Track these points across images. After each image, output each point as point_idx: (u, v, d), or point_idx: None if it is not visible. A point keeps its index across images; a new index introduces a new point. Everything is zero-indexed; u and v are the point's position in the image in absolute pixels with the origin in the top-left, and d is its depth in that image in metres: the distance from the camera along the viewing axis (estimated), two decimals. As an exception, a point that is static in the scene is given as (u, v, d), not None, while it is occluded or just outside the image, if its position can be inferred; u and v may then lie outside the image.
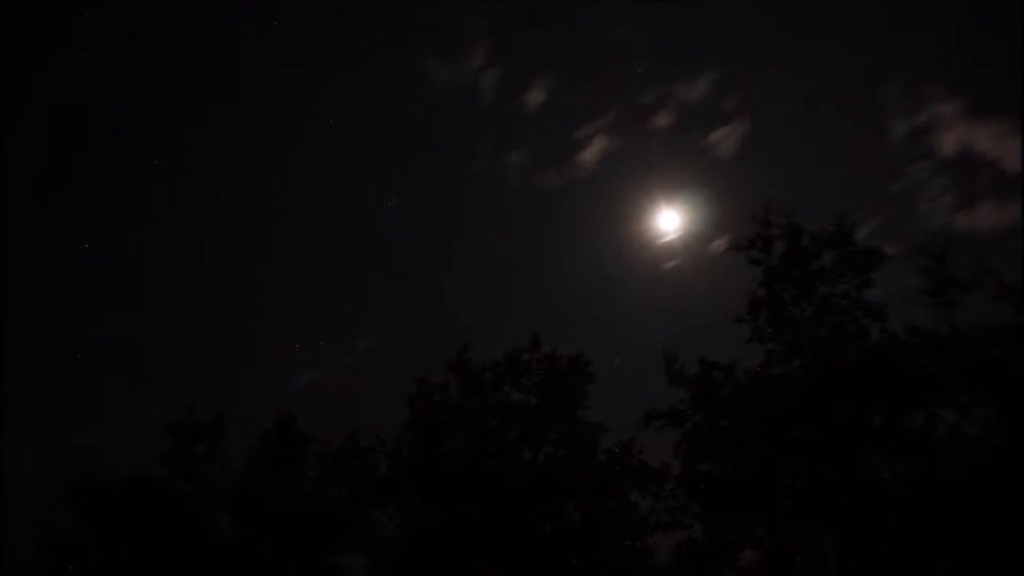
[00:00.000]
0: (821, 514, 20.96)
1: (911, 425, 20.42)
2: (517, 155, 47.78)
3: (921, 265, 20.39)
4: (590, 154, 46.33)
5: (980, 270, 19.90)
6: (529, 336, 26.26)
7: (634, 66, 44.88)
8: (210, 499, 26.17)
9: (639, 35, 44.52)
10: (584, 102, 47.72)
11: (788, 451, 21.30)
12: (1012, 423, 19.47)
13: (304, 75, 47.17)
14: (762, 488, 21.42)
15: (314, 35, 46.51)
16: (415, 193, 48.23)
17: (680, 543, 22.66)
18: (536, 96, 46.30)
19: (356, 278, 47.96)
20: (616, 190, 45.97)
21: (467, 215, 48.81)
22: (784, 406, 21.41)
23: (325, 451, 26.58)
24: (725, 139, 44.57)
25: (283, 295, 45.81)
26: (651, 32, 43.77)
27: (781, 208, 21.82)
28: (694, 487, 22.16)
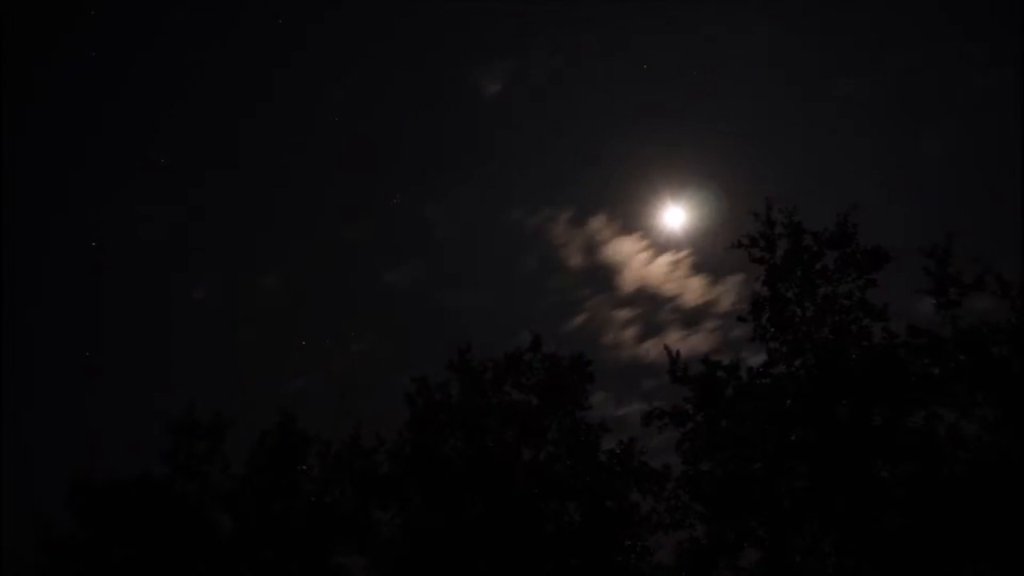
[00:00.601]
0: (821, 514, 20.98)
1: (911, 425, 20.48)
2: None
3: (923, 265, 20.50)
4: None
5: (981, 270, 20.01)
6: (530, 336, 26.45)
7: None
8: (211, 499, 26.12)
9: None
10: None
11: (789, 451, 21.34)
12: (1012, 423, 19.56)
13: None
14: (763, 488, 21.47)
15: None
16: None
17: (681, 542, 22.69)
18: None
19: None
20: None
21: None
22: (786, 406, 21.49)
23: (326, 451, 26.59)
24: (402, 278, 45.52)
25: (279, 297, 46.03)
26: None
27: (784, 206, 21.99)
28: (696, 487, 22.18)
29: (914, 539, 19.63)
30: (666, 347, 22.71)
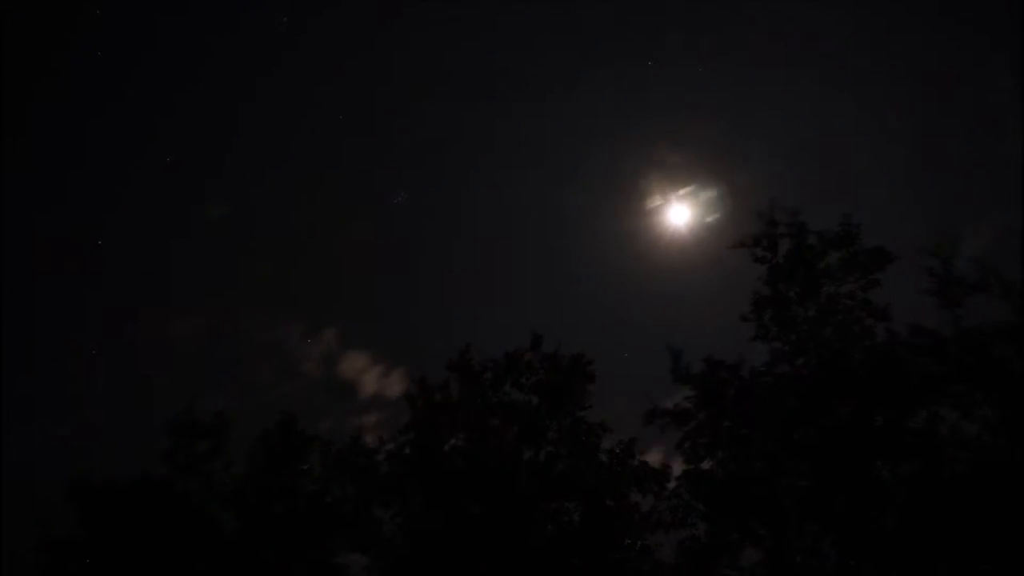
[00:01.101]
0: (822, 514, 20.98)
1: (913, 425, 20.49)
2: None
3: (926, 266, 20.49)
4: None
5: (983, 270, 20.00)
6: (531, 335, 26.40)
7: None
8: (211, 498, 26.05)
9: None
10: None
11: (791, 451, 21.34)
12: (1013, 423, 19.56)
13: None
14: (765, 488, 21.46)
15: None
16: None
17: (682, 541, 22.67)
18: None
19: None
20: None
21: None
22: (787, 406, 21.46)
23: (327, 450, 26.53)
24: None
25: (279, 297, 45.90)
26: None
27: (787, 207, 21.98)
28: (697, 486, 22.17)
29: (915, 539, 19.64)
30: (669, 346, 22.67)
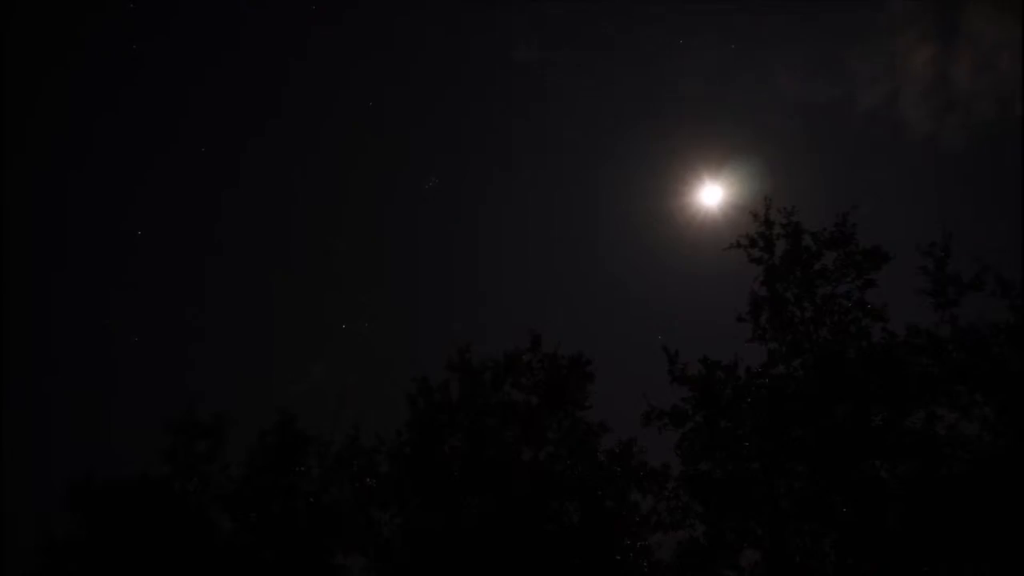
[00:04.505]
0: (820, 514, 20.96)
1: (911, 425, 20.45)
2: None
3: (921, 265, 20.45)
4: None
5: (980, 269, 19.96)
6: (530, 336, 26.49)
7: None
8: (210, 499, 26.15)
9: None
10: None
11: (788, 451, 21.32)
12: (1011, 422, 19.54)
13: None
14: (762, 488, 21.46)
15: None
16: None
17: (681, 542, 22.68)
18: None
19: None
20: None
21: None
22: (784, 406, 21.45)
23: (326, 451, 26.62)
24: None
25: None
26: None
27: (783, 207, 21.94)
28: (695, 487, 22.17)
29: (914, 539, 19.61)
30: (664, 346, 22.65)
